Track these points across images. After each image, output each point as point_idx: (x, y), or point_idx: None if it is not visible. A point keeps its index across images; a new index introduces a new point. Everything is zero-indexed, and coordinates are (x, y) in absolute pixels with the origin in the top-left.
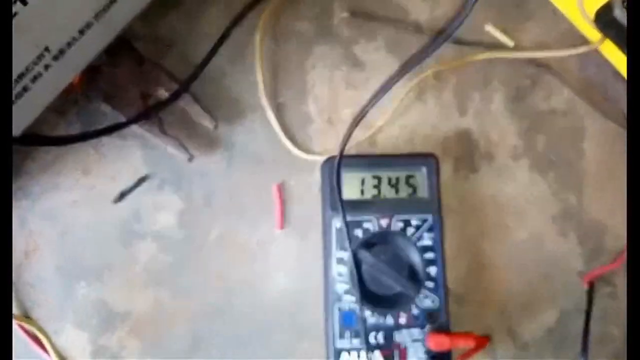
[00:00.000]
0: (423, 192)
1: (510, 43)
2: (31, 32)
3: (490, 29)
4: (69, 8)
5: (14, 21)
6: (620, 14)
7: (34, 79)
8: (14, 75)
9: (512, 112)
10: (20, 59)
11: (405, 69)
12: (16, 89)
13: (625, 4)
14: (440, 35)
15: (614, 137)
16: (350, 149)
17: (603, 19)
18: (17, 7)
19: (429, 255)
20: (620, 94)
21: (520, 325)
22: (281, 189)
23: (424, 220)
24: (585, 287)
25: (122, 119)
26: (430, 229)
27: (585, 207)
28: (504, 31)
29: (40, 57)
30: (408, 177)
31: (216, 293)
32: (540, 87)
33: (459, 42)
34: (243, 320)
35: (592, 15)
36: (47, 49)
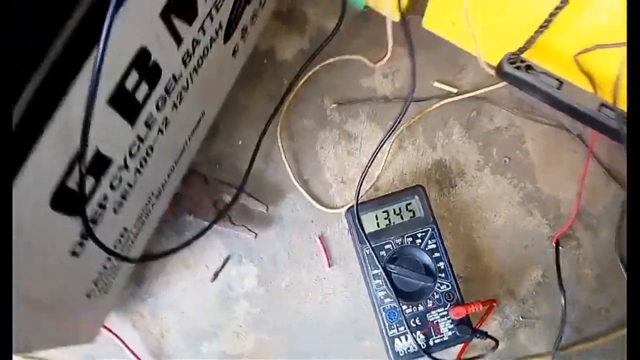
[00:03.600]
0: (420, 212)
1: (454, 90)
2: (145, 188)
3: (437, 84)
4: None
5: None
6: (509, 69)
7: (147, 214)
8: (141, 217)
9: (469, 137)
10: (136, 207)
11: (387, 132)
12: (139, 225)
13: (510, 61)
14: (403, 99)
15: (546, 134)
16: (362, 197)
17: (500, 71)
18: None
19: (436, 254)
20: (542, 103)
21: (517, 285)
22: (322, 238)
23: (426, 232)
24: (554, 245)
25: (204, 224)
26: (432, 237)
27: (540, 189)
28: (447, 83)
29: (149, 200)
30: (407, 205)
31: (297, 323)
32: (484, 114)
33: (418, 100)
34: (320, 336)
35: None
36: (153, 194)
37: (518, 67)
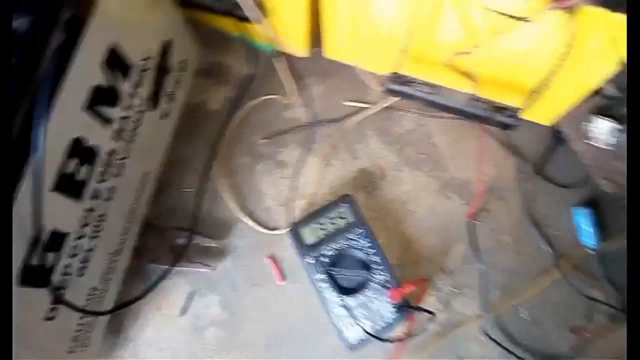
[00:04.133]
0: (351, 218)
1: (365, 105)
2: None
3: (347, 103)
4: (120, 226)
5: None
6: (392, 86)
7: (112, 271)
8: (106, 274)
9: (385, 143)
10: (99, 267)
11: (312, 153)
12: (106, 281)
13: (392, 79)
14: (322, 122)
15: (450, 128)
16: (301, 214)
17: (386, 89)
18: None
19: (370, 250)
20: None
21: (446, 262)
22: (272, 258)
23: (359, 233)
24: (468, 220)
25: (165, 268)
26: (364, 236)
27: (453, 176)
28: (358, 100)
29: (111, 259)
30: (339, 214)
31: (264, 335)
32: (394, 121)
33: (334, 120)
34: (286, 341)
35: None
36: (113, 253)
37: (399, 83)
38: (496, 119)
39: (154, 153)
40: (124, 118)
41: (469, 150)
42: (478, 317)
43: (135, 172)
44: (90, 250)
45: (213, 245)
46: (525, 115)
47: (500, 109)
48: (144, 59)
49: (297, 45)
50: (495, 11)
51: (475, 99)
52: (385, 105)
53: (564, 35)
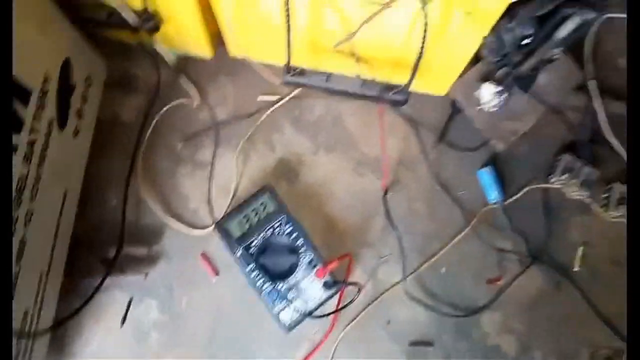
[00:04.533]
0: (273, 207)
1: (275, 97)
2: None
3: (261, 97)
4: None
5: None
6: (288, 78)
7: (44, 291)
8: (38, 295)
9: (298, 131)
10: (30, 289)
11: (230, 150)
12: (38, 303)
13: (287, 71)
14: (237, 118)
15: (358, 109)
16: (227, 209)
17: (284, 81)
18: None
19: (294, 235)
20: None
21: (367, 236)
22: (204, 255)
23: (281, 220)
24: (383, 193)
25: (98, 281)
26: (287, 222)
27: (365, 153)
28: (269, 93)
29: (40, 279)
30: (261, 205)
31: (205, 332)
32: (305, 109)
33: (248, 115)
34: (227, 334)
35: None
36: (42, 273)
37: (294, 75)
38: (387, 97)
39: (71, 171)
40: (31, 142)
41: (376, 128)
42: (401, 282)
43: (53, 193)
44: (17, 273)
45: (144, 252)
46: (420, 88)
47: (389, 88)
48: (44, 81)
49: (199, 47)
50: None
51: (365, 82)
52: (294, 94)
53: (426, 15)
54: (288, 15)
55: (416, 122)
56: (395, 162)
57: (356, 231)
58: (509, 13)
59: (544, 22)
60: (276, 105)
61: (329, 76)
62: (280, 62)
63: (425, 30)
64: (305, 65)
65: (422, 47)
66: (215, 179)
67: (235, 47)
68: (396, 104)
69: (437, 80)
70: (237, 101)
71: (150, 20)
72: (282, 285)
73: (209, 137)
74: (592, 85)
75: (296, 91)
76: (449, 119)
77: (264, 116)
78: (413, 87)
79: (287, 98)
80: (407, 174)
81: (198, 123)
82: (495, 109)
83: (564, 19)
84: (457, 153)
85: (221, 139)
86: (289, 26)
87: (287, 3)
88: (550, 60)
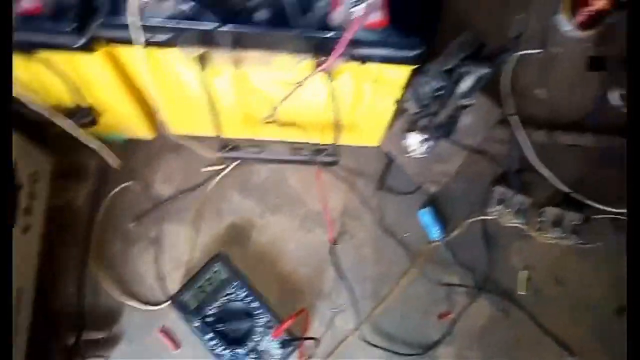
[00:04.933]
0: (226, 274)
1: (220, 166)
2: None
3: (204, 169)
4: None
5: None
6: (224, 154)
7: None
8: None
9: (245, 196)
10: None
11: (181, 223)
12: None
13: (221, 148)
14: (185, 192)
15: (300, 167)
16: (183, 282)
17: (221, 157)
18: None
19: (248, 299)
20: None
21: (321, 287)
22: (164, 330)
23: (235, 286)
24: (331, 244)
25: None
26: (241, 287)
27: (310, 209)
28: (213, 163)
29: None
30: (215, 273)
31: None
32: (252, 173)
33: (195, 187)
34: None
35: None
36: None
37: (229, 151)
38: (319, 160)
39: (23, 267)
40: None
41: (323, 182)
42: (356, 329)
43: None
44: None
45: (104, 335)
46: (355, 142)
47: (319, 151)
48: None
49: (140, 131)
50: (277, 81)
51: (297, 148)
52: (238, 162)
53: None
54: (211, 103)
55: (356, 173)
56: (340, 213)
57: (310, 285)
58: (422, 69)
59: (451, 76)
60: (221, 175)
61: (262, 147)
62: (211, 134)
63: (334, 101)
64: (242, 135)
65: (335, 116)
66: (168, 253)
67: (174, 126)
68: (328, 164)
69: (367, 135)
70: (183, 175)
71: (87, 116)
72: (242, 350)
73: (159, 214)
74: (514, 119)
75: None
76: (386, 167)
77: (211, 186)
78: (349, 142)
79: (231, 166)
80: (352, 224)
81: (147, 201)
82: (423, 155)
83: (463, 75)
84: (397, 198)
85: (171, 214)
86: (214, 111)
87: (208, 95)
88: (465, 107)
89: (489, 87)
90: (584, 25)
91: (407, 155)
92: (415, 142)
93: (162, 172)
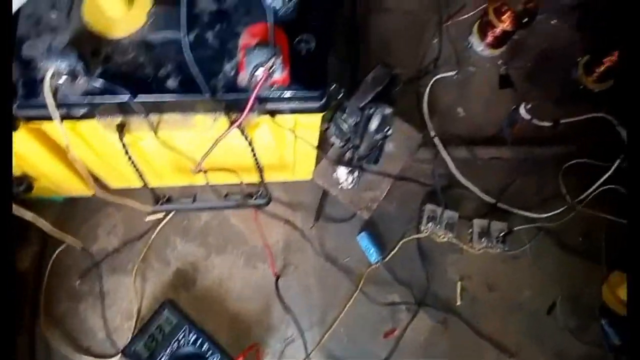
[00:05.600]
0: (175, 320)
1: (161, 215)
2: None
3: (148, 218)
4: None
5: None
6: (157, 207)
7: None
8: None
9: (188, 240)
10: None
11: (127, 274)
12: None
13: (156, 203)
14: (129, 242)
15: (240, 210)
16: (133, 332)
17: (154, 210)
18: None
19: (199, 341)
20: None
21: (269, 321)
22: None
23: (185, 331)
24: (275, 278)
25: None
26: (190, 331)
27: (253, 246)
28: (155, 211)
29: None
30: (164, 320)
31: None
32: (191, 218)
33: (140, 236)
34: None
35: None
36: None
37: (162, 204)
38: (250, 203)
39: None
40: None
41: (260, 220)
42: (307, 357)
43: None
44: None
45: None
46: (289, 179)
47: (250, 195)
48: None
49: (78, 190)
50: (197, 139)
51: (228, 194)
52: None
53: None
54: (135, 166)
55: (294, 206)
56: (283, 247)
57: (259, 321)
58: (342, 107)
59: (363, 114)
60: (163, 222)
61: (194, 197)
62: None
63: (252, 150)
64: (176, 183)
65: (258, 163)
66: (117, 305)
67: (109, 182)
68: (261, 206)
69: (299, 171)
70: (125, 226)
71: (21, 184)
72: None
73: (106, 267)
74: (437, 140)
75: None
76: (322, 198)
77: (154, 235)
78: (283, 178)
79: (172, 213)
80: (295, 256)
81: (92, 256)
82: (352, 185)
83: (372, 114)
84: (335, 226)
85: (117, 266)
86: (139, 172)
87: (130, 159)
88: (385, 136)
89: (410, 112)
90: (493, 45)
91: (338, 186)
92: (343, 174)
93: (104, 226)
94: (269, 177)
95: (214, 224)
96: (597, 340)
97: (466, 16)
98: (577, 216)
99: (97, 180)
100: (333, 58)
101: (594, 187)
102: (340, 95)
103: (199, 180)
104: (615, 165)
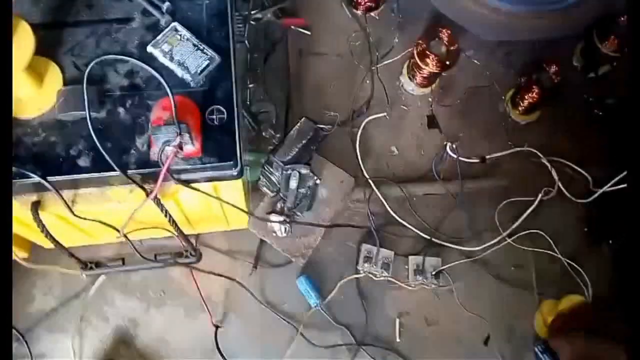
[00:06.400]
0: None
1: (97, 271)
2: None
3: (84, 275)
4: None
5: None
6: (87, 272)
7: None
8: None
9: (127, 295)
10: None
11: (65, 334)
12: None
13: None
14: (66, 301)
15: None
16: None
17: (86, 275)
18: None
19: None
20: None
21: None
22: None
23: None
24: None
25: None
26: None
27: (193, 298)
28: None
29: None
30: None
31: None
32: (129, 272)
33: (77, 295)
34: None
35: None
36: None
37: (90, 269)
38: (181, 262)
39: None
40: None
41: (198, 272)
42: None
43: None
44: None
45: None
46: (226, 228)
47: (179, 254)
48: None
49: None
50: (115, 210)
51: (158, 254)
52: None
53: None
54: (55, 241)
55: (234, 254)
56: (224, 296)
57: None
58: (269, 160)
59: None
60: (101, 279)
61: (123, 260)
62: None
63: (170, 219)
64: (109, 242)
65: (177, 228)
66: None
67: (43, 243)
68: (192, 263)
69: (232, 222)
70: (63, 285)
71: None
72: None
73: (42, 328)
74: (370, 182)
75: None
76: (260, 244)
77: (92, 293)
78: (218, 229)
79: (113, 269)
80: (235, 304)
81: (28, 318)
82: (286, 234)
83: (290, 174)
84: (274, 271)
85: (55, 326)
86: (60, 246)
87: (47, 234)
88: (314, 186)
89: (346, 153)
90: (423, 84)
91: (273, 234)
92: (277, 222)
93: (39, 287)
94: (205, 229)
95: (153, 278)
96: None
97: (396, 58)
98: (508, 247)
99: (29, 242)
100: (268, 104)
101: (520, 220)
102: (275, 141)
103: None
104: (537, 200)
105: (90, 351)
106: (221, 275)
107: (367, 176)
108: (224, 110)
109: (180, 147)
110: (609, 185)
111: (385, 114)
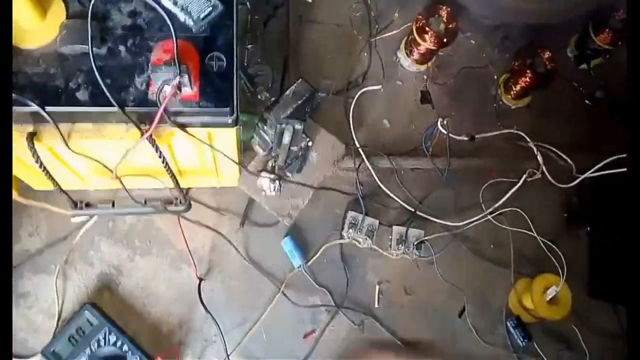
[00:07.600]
0: (97, 321)
1: (85, 217)
2: None
3: (74, 220)
4: None
5: None
6: (76, 212)
7: None
8: None
9: (113, 242)
10: None
11: (49, 275)
12: None
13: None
14: (53, 243)
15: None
16: (54, 333)
17: (74, 215)
18: None
19: (119, 342)
20: None
21: (193, 324)
22: None
23: (105, 331)
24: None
25: None
26: (110, 332)
27: (178, 250)
28: (79, 213)
29: None
30: (85, 322)
31: None
32: (117, 220)
33: (63, 238)
34: None
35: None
36: None
37: (81, 208)
38: (170, 210)
39: None
40: None
41: (186, 224)
42: (227, 357)
43: None
44: None
45: None
46: (217, 185)
47: (169, 202)
48: None
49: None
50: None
51: (148, 200)
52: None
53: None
54: (47, 172)
55: (222, 211)
56: (209, 250)
57: (181, 322)
58: (263, 118)
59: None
60: (89, 224)
61: (113, 202)
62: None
63: (163, 160)
64: (98, 187)
65: (169, 171)
66: (38, 306)
67: (32, 184)
68: (181, 212)
69: (223, 178)
70: (50, 227)
71: None
72: None
73: (27, 267)
74: (360, 151)
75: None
76: (248, 204)
77: (78, 236)
78: (208, 184)
79: (97, 214)
80: (220, 259)
81: (14, 257)
82: (274, 193)
83: (284, 129)
84: (261, 230)
85: (40, 267)
86: (52, 180)
87: (40, 164)
88: (306, 147)
89: (339, 122)
90: (419, 61)
91: (263, 193)
92: (266, 182)
93: (25, 227)
94: (195, 183)
95: (140, 227)
96: (503, 342)
97: (394, 32)
98: (489, 226)
99: (19, 181)
100: (265, 67)
101: (503, 199)
102: (270, 104)
103: (120, 184)
104: (521, 181)
105: (74, 294)
106: (208, 227)
107: (358, 145)
108: (224, 58)
109: (178, 87)
110: (591, 171)
111: (380, 87)
